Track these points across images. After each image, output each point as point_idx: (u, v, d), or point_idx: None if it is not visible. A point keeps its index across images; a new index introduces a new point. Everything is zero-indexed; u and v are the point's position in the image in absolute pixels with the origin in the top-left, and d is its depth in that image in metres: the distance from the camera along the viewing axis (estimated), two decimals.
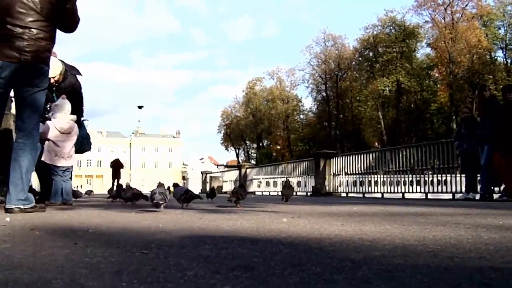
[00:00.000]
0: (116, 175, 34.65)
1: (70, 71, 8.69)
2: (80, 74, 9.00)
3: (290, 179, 25.33)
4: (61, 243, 2.86)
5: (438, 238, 3.10)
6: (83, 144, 9.10)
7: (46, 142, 8.01)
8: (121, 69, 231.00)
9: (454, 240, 2.96)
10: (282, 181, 9.49)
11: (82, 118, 9.12)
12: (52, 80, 7.99)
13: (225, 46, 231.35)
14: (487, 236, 3.16)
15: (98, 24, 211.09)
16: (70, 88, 8.65)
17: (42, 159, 7.99)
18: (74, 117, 8.42)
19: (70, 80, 8.68)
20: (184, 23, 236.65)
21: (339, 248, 2.68)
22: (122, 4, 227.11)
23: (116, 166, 35.16)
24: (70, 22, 6.36)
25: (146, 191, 9.42)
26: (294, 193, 13.90)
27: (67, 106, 8.27)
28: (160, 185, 6.88)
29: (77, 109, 8.67)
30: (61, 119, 8.16)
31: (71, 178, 8.73)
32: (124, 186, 9.22)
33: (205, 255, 2.37)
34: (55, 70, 8.01)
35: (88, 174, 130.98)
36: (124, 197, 8.72)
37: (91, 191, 23.69)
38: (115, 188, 9.57)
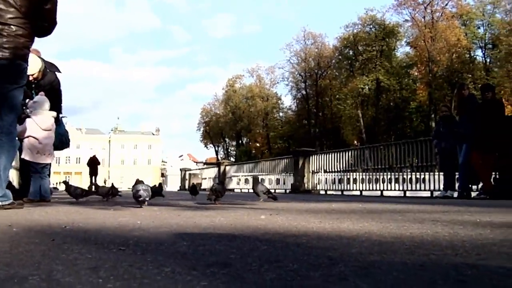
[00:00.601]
0: (93, 172, 34.75)
1: (49, 68, 8.67)
2: (60, 72, 8.97)
3: (269, 176, 25.46)
4: (38, 240, 2.86)
5: (415, 235, 3.12)
6: (61, 141, 9.06)
7: (26, 140, 7.98)
8: (101, 66, 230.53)
9: (431, 237, 2.99)
10: (253, 177, 9.44)
11: (61, 115, 9.09)
12: (31, 78, 7.98)
13: (205, 43, 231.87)
14: (463, 234, 3.19)
15: (78, 21, 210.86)
16: (49, 86, 8.63)
17: (22, 156, 7.98)
18: (55, 113, 8.41)
19: (49, 77, 8.66)
20: (164, 19, 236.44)
21: (316, 245, 2.70)
22: (102, 1, 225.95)
23: (93, 163, 35.28)
24: (49, 23, 6.33)
25: (125, 188, 9.42)
26: (273, 190, 13.91)
27: (46, 103, 8.24)
28: (140, 181, 6.95)
29: (56, 106, 8.64)
30: (42, 116, 8.14)
31: (49, 175, 8.70)
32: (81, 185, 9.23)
33: (183, 252, 2.38)
34: (34, 68, 8.00)
35: (66, 171, 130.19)
36: (74, 193, 8.71)
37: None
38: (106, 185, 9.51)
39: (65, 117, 9.46)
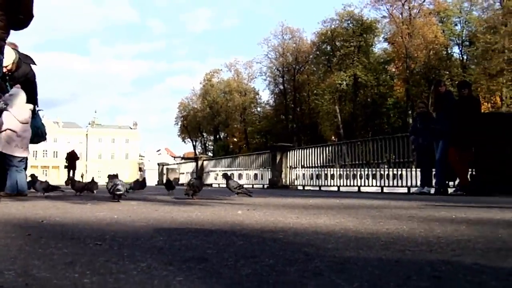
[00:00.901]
0: (71, 166, 34.50)
1: (24, 60, 8.59)
2: (35, 64, 8.89)
3: (246, 171, 25.46)
4: (14, 234, 2.85)
5: (391, 231, 3.14)
6: (37, 135, 9.00)
7: (4, 133, 7.92)
8: (78, 59, 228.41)
9: (407, 233, 3.00)
10: (223, 174, 9.42)
11: (37, 108, 9.02)
12: (4, 70, 7.89)
13: (184, 36, 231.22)
14: (439, 230, 3.21)
15: (55, 13, 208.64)
16: (24, 78, 8.55)
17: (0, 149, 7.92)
18: (32, 106, 8.37)
19: (24, 69, 8.58)
20: (142, 13, 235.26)
21: (293, 240, 2.70)
22: None
23: (71, 158, 35.01)
24: (25, 16, 6.24)
25: (102, 182, 9.37)
26: (251, 185, 13.89)
27: (23, 95, 8.18)
28: (115, 176, 6.94)
29: (31, 98, 8.58)
30: (20, 109, 8.09)
31: (25, 168, 8.64)
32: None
33: (159, 247, 2.38)
34: (8, 59, 7.91)
35: (44, 165, 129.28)
36: (39, 187, 8.67)
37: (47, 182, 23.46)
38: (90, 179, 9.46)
39: (41, 110, 9.40)
